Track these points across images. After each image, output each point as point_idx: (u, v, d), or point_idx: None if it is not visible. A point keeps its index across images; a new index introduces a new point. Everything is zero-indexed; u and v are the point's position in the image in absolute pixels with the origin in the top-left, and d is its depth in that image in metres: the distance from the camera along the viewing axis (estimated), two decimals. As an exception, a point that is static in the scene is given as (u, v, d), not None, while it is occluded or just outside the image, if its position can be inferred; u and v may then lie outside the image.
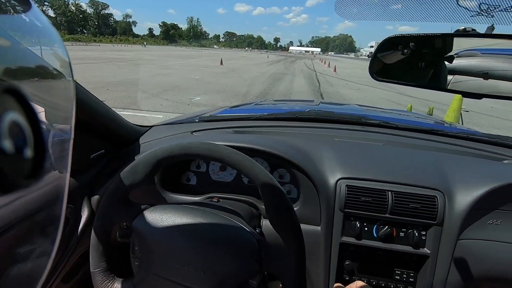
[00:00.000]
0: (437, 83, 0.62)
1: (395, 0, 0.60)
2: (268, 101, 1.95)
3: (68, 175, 0.25)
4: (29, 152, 0.14)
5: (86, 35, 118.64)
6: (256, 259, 0.50)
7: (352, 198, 0.72)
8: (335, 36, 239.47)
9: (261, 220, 0.76)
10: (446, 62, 0.60)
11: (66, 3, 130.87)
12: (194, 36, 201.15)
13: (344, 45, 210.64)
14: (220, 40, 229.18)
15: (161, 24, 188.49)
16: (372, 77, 0.66)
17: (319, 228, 0.76)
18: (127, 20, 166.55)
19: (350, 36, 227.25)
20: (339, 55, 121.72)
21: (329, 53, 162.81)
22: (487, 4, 0.45)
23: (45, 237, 0.38)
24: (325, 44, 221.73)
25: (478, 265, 0.69)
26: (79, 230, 0.76)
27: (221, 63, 19.08)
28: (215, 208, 0.60)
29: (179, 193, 0.83)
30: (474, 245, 0.69)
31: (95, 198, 0.80)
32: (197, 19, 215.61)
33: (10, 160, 0.13)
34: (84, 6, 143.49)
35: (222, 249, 0.50)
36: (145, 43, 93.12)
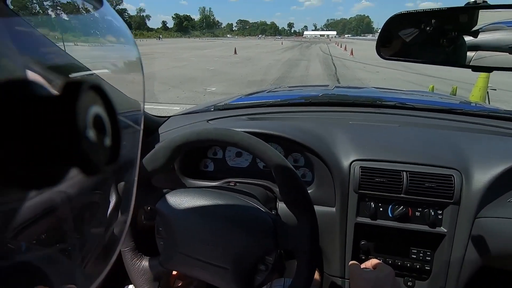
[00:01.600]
0: (456, 59, 0.59)
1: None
2: (282, 87, 1.98)
3: (138, 160, 0.29)
4: (107, 141, 0.16)
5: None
6: (271, 236, 0.53)
7: (367, 179, 0.73)
8: (351, 17, 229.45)
9: (277, 203, 0.78)
10: (466, 38, 0.57)
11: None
12: (207, 26, 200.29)
13: (361, 27, 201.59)
14: (233, 29, 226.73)
15: (174, 16, 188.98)
16: (380, 55, 0.64)
17: (334, 209, 0.77)
18: (141, 14, 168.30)
19: (367, 16, 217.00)
20: (355, 37, 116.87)
21: (345, 35, 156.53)
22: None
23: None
24: (341, 27, 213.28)
25: (495, 242, 0.68)
26: (108, 213, 0.82)
27: (235, 52, 18.95)
28: (232, 191, 0.63)
29: (198, 179, 0.87)
30: (492, 223, 0.68)
31: (121, 184, 0.85)
32: (209, 8, 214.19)
33: (94, 147, 0.15)
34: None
35: (238, 227, 0.53)
36: (160, 36, 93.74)
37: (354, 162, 0.75)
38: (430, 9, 0.57)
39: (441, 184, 0.69)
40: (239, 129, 0.75)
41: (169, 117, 1.09)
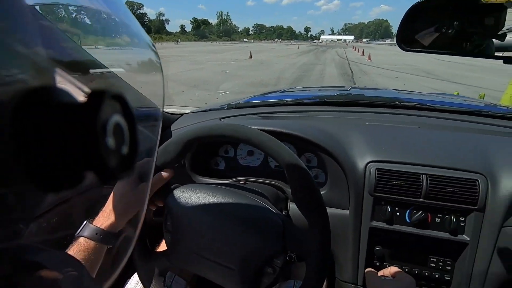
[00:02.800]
0: (483, 50, 0.56)
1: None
2: (298, 88, 1.94)
3: (152, 169, 0.29)
4: (125, 149, 0.16)
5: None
6: (280, 238, 0.51)
7: (383, 182, 0.69)
8: (369, 21, 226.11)
9: (288, 204, 0.76)
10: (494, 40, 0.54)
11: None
12: (224, 30, 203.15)
13: (379, 31, 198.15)
14: (250, 33, 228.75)
15: (192, 20, 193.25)
16: (400, 47, 0.61)
17: (347, 212, 0.74)
18: (160, 18, 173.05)
19: (386, 20, 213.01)
20: (374, 41, 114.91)
21: (363, 40, 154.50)
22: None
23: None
24: (359, 31, 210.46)
25: None
26: None
27: (250, 56, 19.06)
28: (241, 190, 0.62)
29: (208, 177, 0.87)
30: None
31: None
32: (227, 12, 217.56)
33: (112, 155, 0.15)
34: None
35: (246, 227, 0.52)
36: (179, 40, 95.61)
37: (370, 164, 0.71)
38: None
39: (464, 189, 0.65)
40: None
41: (182, 114, 1.08)
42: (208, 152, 0.95)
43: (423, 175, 0.68)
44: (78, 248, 0.43)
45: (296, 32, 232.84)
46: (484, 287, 0.67)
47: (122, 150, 0.16)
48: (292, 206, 0.75)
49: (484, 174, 0.66)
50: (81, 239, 0.44)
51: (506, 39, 0.53)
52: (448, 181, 0.66)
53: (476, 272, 0.67)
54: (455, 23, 0.55)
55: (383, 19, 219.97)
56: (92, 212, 0.48)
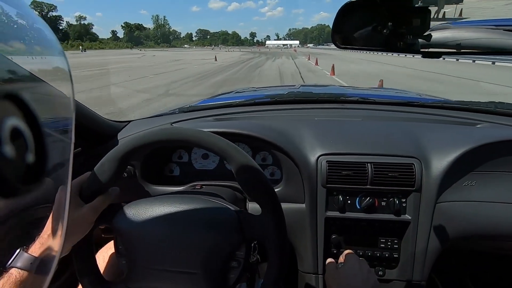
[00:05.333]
0: (409, 47, 0.64)
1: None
2: (250, 88, 2.04)
3: (70, 179, 0.26)
4: (30, 157, 0.15)
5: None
6: (237, 230, 0.54)
7: (333, 173, 0.77)
8: (312, 27, 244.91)
9: (247, 204, 0.81)
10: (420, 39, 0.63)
11: None
12: (162, 35, 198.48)
13: (322, 36, 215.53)
14: (193, 38, 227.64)
15: (123, 25, 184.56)
16: (335, 44, 0.67)
17: (303, 205, 0.81)
18: (81, 22, 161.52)
19: (328, 26, 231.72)
20: (318, 46, 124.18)
21: (308, 45, 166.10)
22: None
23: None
24: (303, 36, 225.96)
25: (455, 225, 0.77)
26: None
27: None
28: (196, 194, 0.62)
29: (163, 185, 0.87)
30: (451, 207, 0.76)
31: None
32: (164, 17, 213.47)
33: (11, 165, 0.13)
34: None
35: (201, 228, 0.53)
36: (81, 47, 78.59)
37: (320, 157, 0.79)
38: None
39: (403, 173, 0.76)
40: (206, 129, 0.73)
41: (129, 121, 1.08)
42: (161, 159, 0.94)
43: (368, 164, 0.77)
44: (9, 281, 0.39)
45: (242, 38, 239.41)
46: (426, 259, 0.78)
47: (26, 158, 0.14)
48: (251, 205, 0.80)
49: (418, 158, 0.77)
50: (13, 270, 0.40)
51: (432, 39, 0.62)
52: (389, 167, 0.76)
53: (419, 247, 0.78)
54: (389, 23, 0.62)
55: (324, 24, 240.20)
56: (28, 238, 0.44)
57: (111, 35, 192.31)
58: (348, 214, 0.79)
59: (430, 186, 0.76)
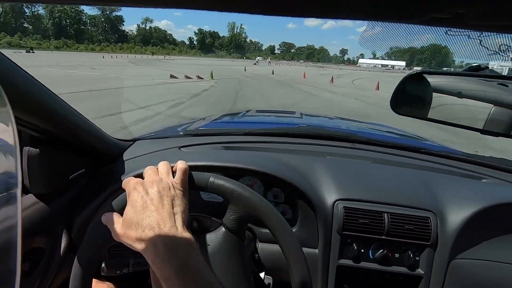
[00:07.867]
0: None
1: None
2: (251, 112, 2.21)
3: (19, 242, 0.23)
4: None
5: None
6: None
7: (350, 220, 0.84)
8: (422, 46, 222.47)
9: (257, 244, 0.87)
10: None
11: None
12: (236, 45, 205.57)
13: (435, 58, 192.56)
14: (275, 52, 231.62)
15: (196, 32, 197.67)
16: (393, 110, 0.81)
17: (316, 250, 0.89)
18: (146, 26, 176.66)
19: (446, 47, 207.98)
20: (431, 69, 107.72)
21: (414, 68, 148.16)
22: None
23: None
24: (408, 56, 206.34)
25: (470, 285, 0.83)
26: (55, 261, 0.81)
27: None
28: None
29: None
30: (466, 265, 0.83)
31: (76, 223, 0.86)
32: (240, 25, 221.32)
33: None
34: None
35: None
36: (31, 49, 67.15)
37: (337, 202, 0.87)
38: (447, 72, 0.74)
39: (419, 226, 0.83)
40: (218, 163, 0.89)
41: (134, 140, 1.17)
42: None
43: (385, 213, 0.85)
44: None
45: (332, 55, 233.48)
46: None
47: None
48: (261, 246, 0.88)
49: (434, 212, 0.86)
50: None
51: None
52: (406, 219, 0.84)
53: None
54: (457, 91, 0.80)
55: (441, 44, 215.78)
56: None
57: (188, 42, 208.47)
58: (362, 264, 0.85)
59: (445, 242, 0.82)
